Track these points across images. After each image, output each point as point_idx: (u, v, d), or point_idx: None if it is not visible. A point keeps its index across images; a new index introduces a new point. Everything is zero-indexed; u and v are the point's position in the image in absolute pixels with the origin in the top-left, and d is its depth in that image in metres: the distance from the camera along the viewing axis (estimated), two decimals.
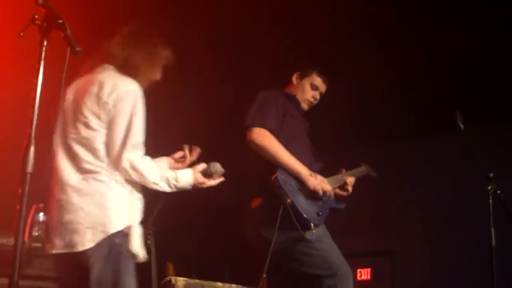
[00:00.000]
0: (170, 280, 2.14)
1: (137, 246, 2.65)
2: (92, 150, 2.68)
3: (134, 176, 2.67)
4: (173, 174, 2.79)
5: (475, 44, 4.45)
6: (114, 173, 2.67)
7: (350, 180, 3.81)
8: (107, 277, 2.56)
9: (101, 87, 2.71)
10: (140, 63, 2.84)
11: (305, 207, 3.42)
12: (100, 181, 2.65)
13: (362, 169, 4.08)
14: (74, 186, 2.65)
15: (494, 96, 5.09)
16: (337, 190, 3.75)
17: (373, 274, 6.07)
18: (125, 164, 2.64)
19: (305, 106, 3.91)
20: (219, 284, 2.44)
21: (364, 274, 6.08)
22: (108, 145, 2.68)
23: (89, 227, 2.57)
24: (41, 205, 2.77)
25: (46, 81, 1.97)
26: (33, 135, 1.98)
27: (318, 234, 3.45)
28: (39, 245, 4.28)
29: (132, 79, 2.78)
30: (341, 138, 5.78)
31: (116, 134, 2.67)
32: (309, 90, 3.88)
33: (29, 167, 1.97)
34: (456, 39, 4.41)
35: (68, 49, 1.92)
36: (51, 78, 1.98)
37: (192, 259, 6.46)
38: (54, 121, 1.89)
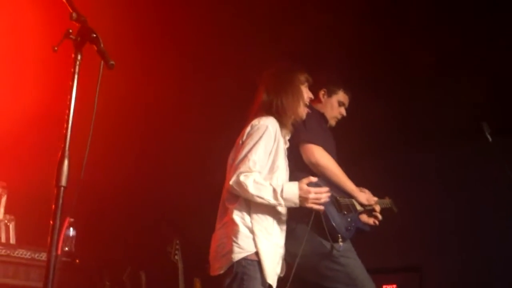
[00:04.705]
0: None
1: (265, 271, 3.05)
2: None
3: (239, 190, 3.03)
4: (279, 185, 3.07)
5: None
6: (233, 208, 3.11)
7: (378, 208, 3.83)
8: None
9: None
10: (284, 103, 3.27)
11: (336, 219, 3.48)
12: (229, 216, 3.13)
13: (386, 202, 4.10)
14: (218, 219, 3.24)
15: None
16: (364, 217, 3.80)
17: None
18: (233, 179, 3.04)
19: (333, 122, 3.97)
20: None
21: None
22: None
23: (222, 255, 3.10)
24: (72, 220, 2.80)
25: (79, 96, 1.99)
26: (67, 149, 2.00)
27: (343, 248, 3.46)
28: (69, 259, 4.34)
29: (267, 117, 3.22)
30: (357, 150, 5.73)
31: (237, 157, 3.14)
32: (337, 107, 3.93)
33: (63, 181, 1.99)
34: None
35: (102, 63, 1.94)
36: (85, 92, 2.00)
37: None
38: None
